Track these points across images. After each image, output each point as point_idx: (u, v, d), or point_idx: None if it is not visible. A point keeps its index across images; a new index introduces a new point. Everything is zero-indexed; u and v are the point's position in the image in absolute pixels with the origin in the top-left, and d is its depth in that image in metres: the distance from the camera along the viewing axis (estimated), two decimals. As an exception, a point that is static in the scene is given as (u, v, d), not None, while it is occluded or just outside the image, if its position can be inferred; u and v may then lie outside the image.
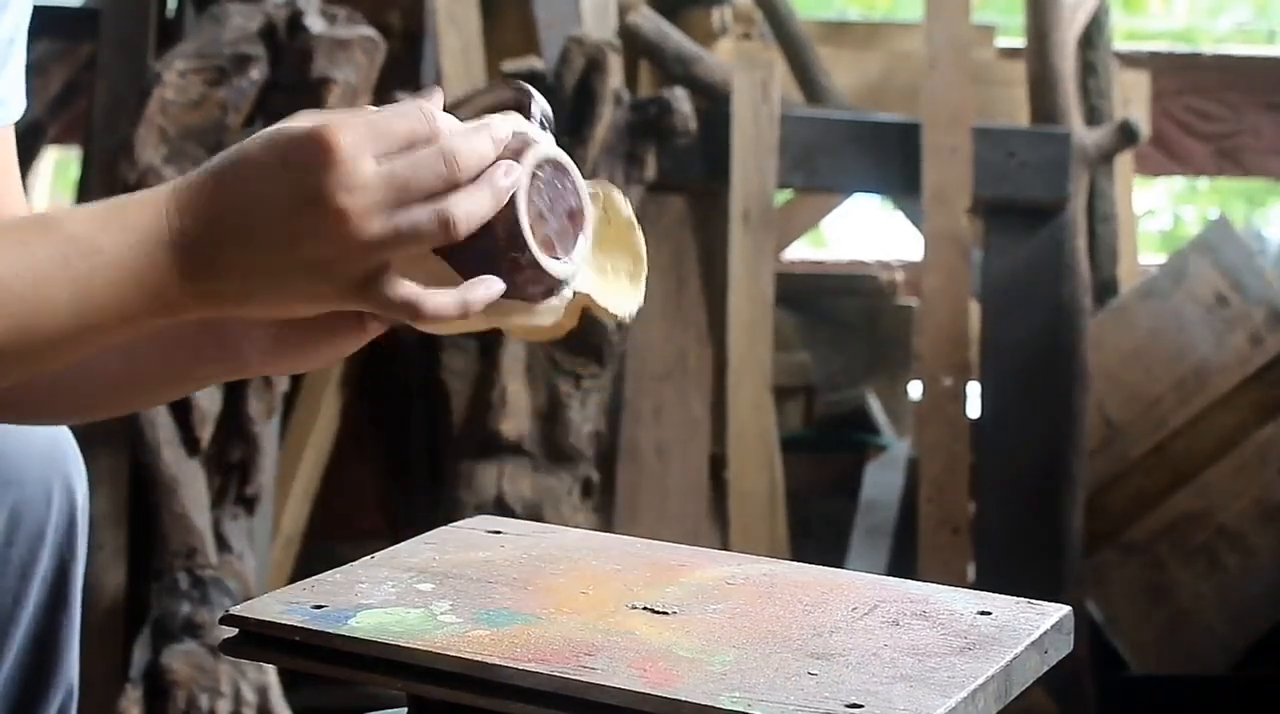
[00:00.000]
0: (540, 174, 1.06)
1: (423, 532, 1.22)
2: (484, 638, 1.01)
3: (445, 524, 1.25)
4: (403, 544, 1.18)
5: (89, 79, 2.87)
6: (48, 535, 1.32)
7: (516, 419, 2.64)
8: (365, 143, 1.01)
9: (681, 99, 2.72)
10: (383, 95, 2.61)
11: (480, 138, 1.04)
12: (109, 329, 1.03)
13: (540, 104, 1.11)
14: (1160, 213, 5.85)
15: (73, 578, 1.35)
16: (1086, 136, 2.97)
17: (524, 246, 1.03)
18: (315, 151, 1.00)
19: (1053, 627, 1.07)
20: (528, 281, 1.04)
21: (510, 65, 2.69)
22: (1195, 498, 3.01)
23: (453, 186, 1.02)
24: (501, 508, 2.58)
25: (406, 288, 1.02)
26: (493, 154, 1.04)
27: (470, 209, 1.02)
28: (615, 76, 2.68)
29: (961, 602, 1.09)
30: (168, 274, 1.02)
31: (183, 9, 2.82)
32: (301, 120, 1.04)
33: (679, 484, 2.86)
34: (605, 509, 2.76)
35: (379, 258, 1.01)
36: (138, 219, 1.02)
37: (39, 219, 1.05)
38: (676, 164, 2.81)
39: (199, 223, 1.02)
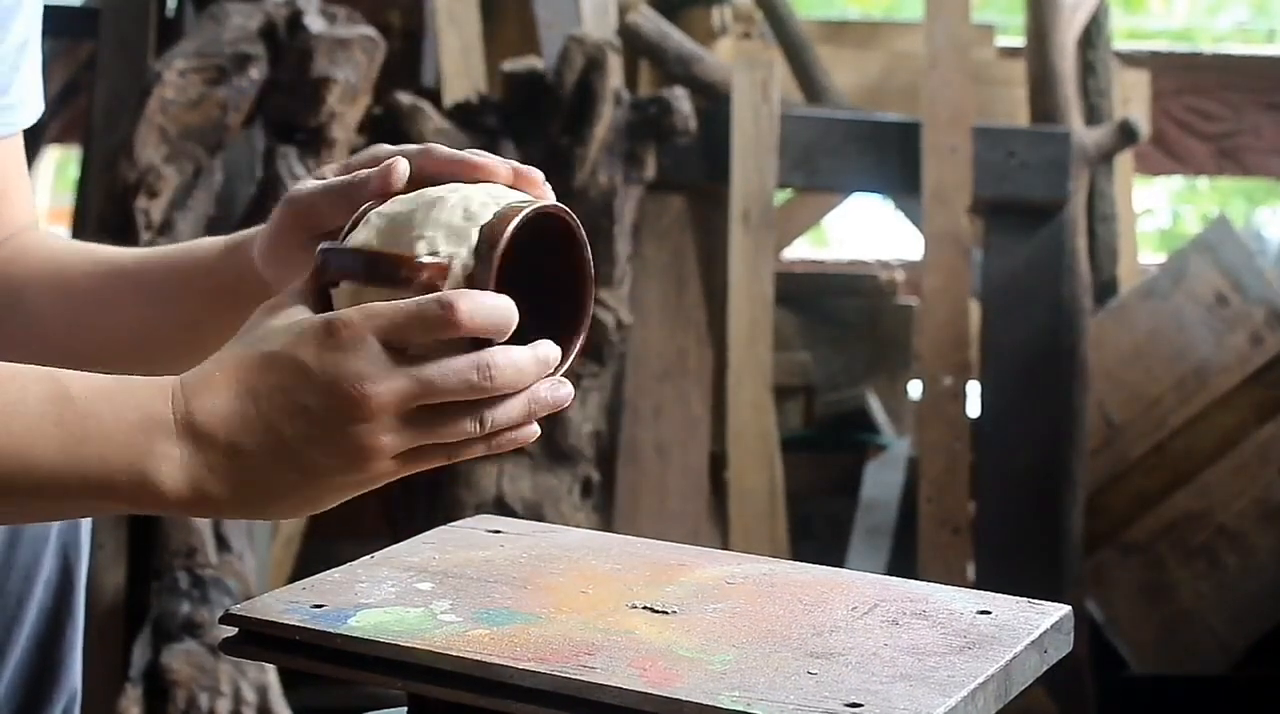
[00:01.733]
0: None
1: (423, 531, 1.22)
2: (484, 637, 1.01)
3: (445, 524, 1.25)
4: (402, 544, 1.18)
5: (89, 78, 2.88)
6: (51, 538, 1.32)
7: (516, 419, 2.64)
8: (378, 328, 0.98)
9: (681, 99, 2.72)
10: (383, 95, 2.62)
11: (526, 357, 1.01)
12: (83, 500, 1.00)
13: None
14: (1159, 212, 5.85)
15: (76, 580, 1.34)
16: (1086, 136, 2.97)
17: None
18: (331, 336, 0.98)
19: (1053, 626, 1.07)
20: None
21: (510, 65, 2.69)
22: (1195, 498, 3.01)
23: (484, 396, 1.01)
24: (501, 507, 2.58)
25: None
26: (534, 370, 1.02)
27: (504, 416, 1.02)
28: (615, 76, 2.68)
29: (961, 601, 1.09)
30: (163, 463, 0.99)
31: (183, 9, 2.82)
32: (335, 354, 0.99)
33: (679, 484, 2.86)
34: (605, 509, 2.76)
35: (405, 451, 1.01)
36: (144, 401, 0.99)
37: (47, 372, 1.02)
38: (676, 164, 2.81)
39: (199, 416, 0.99)
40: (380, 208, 1.03)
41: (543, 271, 1.05)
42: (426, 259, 0.99)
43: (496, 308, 0.99)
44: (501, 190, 1.05)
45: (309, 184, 1.12)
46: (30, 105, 1.26)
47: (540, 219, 1.02)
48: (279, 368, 0.98)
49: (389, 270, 0.99)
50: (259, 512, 1.02)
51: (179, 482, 0.98)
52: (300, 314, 1.01)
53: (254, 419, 0.98)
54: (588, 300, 1.06)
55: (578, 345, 1.06)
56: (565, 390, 1.05)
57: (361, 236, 1.02)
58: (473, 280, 1.00)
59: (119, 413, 0.98)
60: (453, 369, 0.98)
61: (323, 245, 1.03)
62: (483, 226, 1.00)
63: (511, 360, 1.00)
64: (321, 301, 1.03)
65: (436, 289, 0.99)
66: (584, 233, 1.05)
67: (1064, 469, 2.88)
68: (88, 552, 1.36)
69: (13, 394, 0.98)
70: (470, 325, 0.98)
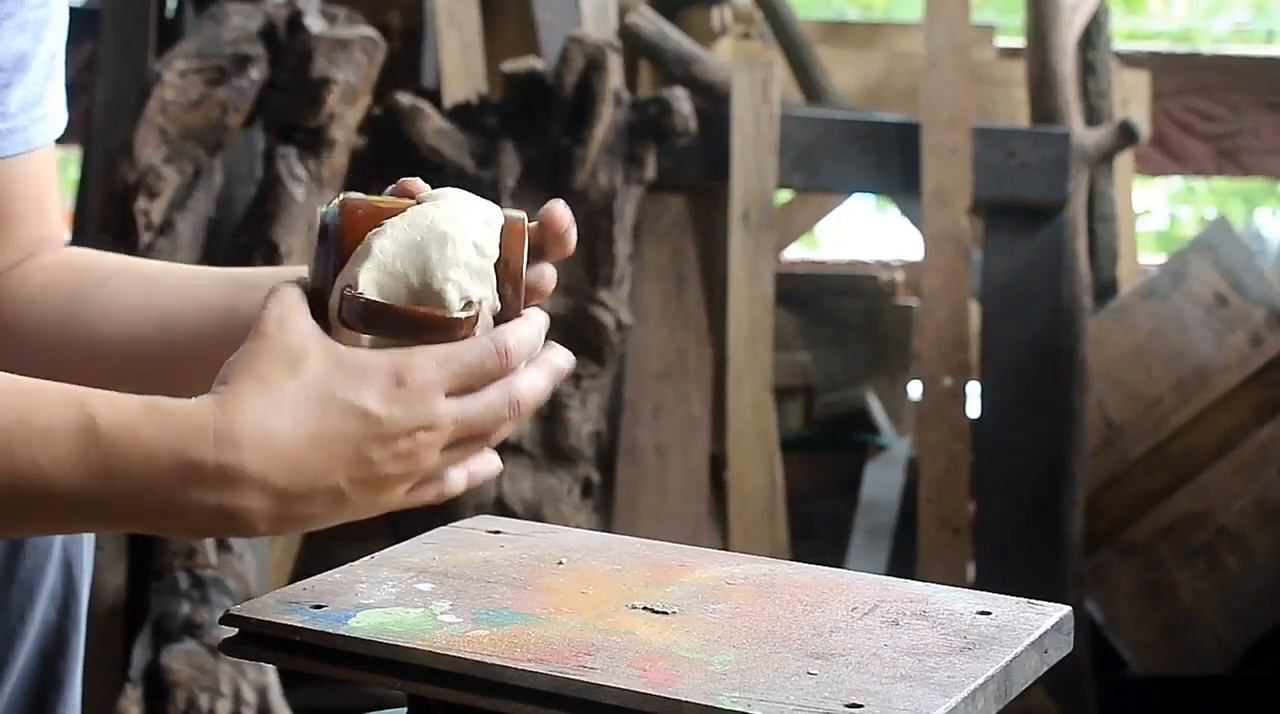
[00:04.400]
0: None
1: (423, 532, 1.22)
2: (484, 638, 1.01)
3: (445, 524, 1.25)
4: (403, 544, 1.18)
5: (89, 79, 2.88)
6: (55, 550, 1.31)
7: (516, 419, 2.64)
8: (445, 380, 0.99)
9: (681, 99, 2.72)
10: (383, 95, 2.62)
11: (544, 380, 1.04)
12: (103, 528, 1.00)
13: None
14: (1157, 212, 5.85)
15: (79, 593, 1.33)
16: (1086, 136, 2.97)
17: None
18: (400, 387, 0.98)
19: (1053, 627, 1.07)
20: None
21: (510, 65, 2.69)
22: (1195, 498, 3.01)
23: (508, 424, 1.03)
24: (501, 508, 2.58)
25: (429, 493, 1.04)
26: (545, 386, 1.04)
27: (507, 432, 1.04)
28: (615, 76, 2.68)
29: (961, 602, 1.09)
30: (193, 510, 0.96)
31: (183, 9, 2.82)
32: (360, 355, 0.99)
33: (679, 484, 2.86)
34: (605, 509, 2.76)
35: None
36: (178, 442, 0.95)
37: (75, 397, 0.97)
38: (676, 164, 2.81)
39: (249, 465, 0.96)
40: (382, 235, 1.02)
41: None
42: (461, 315, 1.00)
43: (531, 339, 1.03)
44: (472, 200, 1.06)
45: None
46: (60, 116, 1.26)
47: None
48: (344, 415, 0.97)
49: (433, 334, 1.00)
50: (278, 534, 1.02)
51: (207, 524, 0.97)
52: (330, 339, 0.99)
53: (309, 465, 0.97)
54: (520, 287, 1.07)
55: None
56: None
57: (374, 277, 1.01)
58: (501, 315, 1.03)
59: (150, 454, 0.95)
60: (493, 407, 1.01)
61: (348, 292, 1.00)
62: (497, 264, 1.03)
63: (534, 388, 1.03)
64: (321, 307, 1.02)
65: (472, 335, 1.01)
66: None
67: (1064, 469, 2.88)
68: (91, 564, 1.35)
69: (38, 422, 0.95)
70: (518, 363, 1.01)
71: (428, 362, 0.98)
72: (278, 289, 1.02)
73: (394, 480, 1.00)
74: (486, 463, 1.06)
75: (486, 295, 1.02)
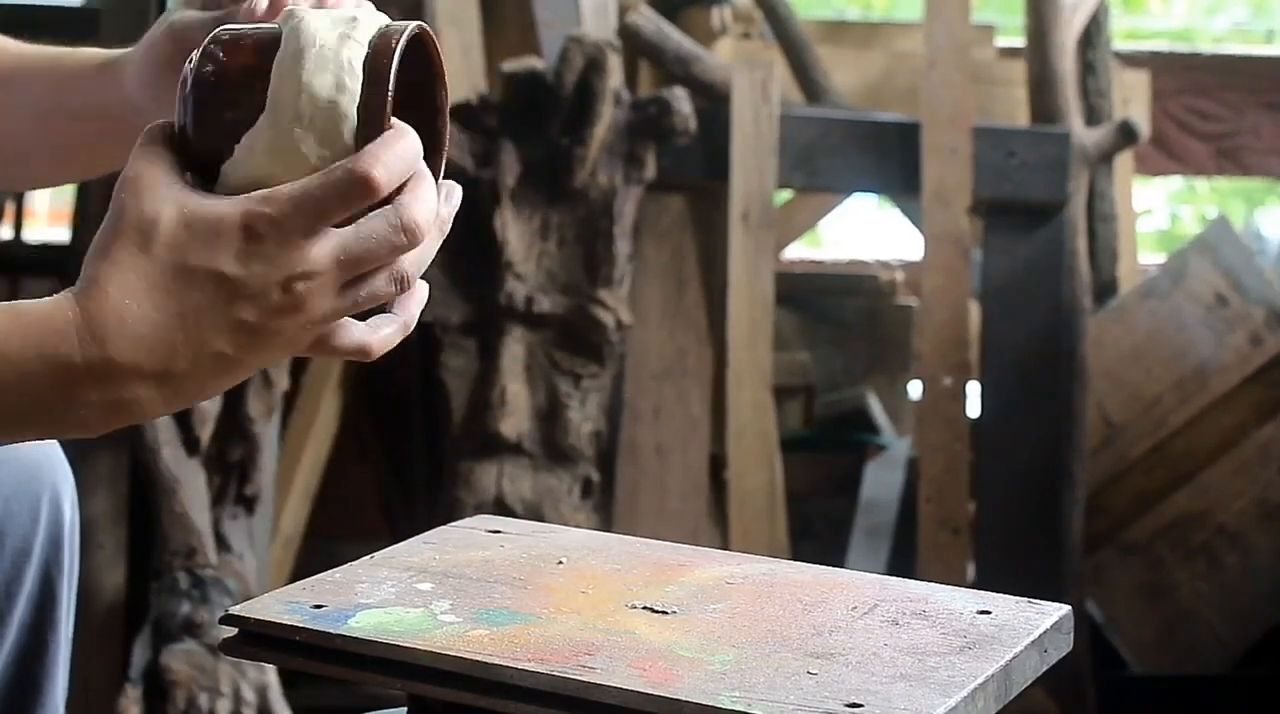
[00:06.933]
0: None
1: (423, 532, 1.22)
2: (484, 638, 1.01)
3: (445, 524, 1.25)
4: (402, 544, 1.18)
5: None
6: (34, 552, 1.29)
7: (516, 419, 2.64)
8: (304, 225, 0.92)
9: (681, 99, 2.72)
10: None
11: (425, 191, 0.96)
12: None
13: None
14: (1157, 212, 5.85)
15: (59, 595, 1.32)
16: (1086, 136, 2.97)
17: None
18: (253, 242, 0.91)
19: (1052, 626, 1.07)
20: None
21: (510, 65, 2.69)
22: (1195, 498, 3.01)
23: (407, 251, 0.96)
24: (501, 508, 2.58)
25: (354, 336, 0.98)
26: (436, 201, 0.97)
27: (421, 257, 0.97)
28: (615, 76, 2.68)
29: (961, 601, 1.09)
30: (81, 410, 0.92)
31: (182, 9, 2.82)
32: (194, 199, 0.93)
33: (679, 484, 2.86)
34: (605, 509, 2.76)
35: (330, 326, 0.96)
36: (45, 347, 0.91)
37: None
38: (676, 164, 2.81)
39: (118, 356, 0.91)
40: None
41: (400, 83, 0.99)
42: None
43: (401, 156, 0.94)
44: (345, 13, 0.99)
45: (190, 13, 1.10)
46: None
47: (409, 44, 0.98)
48: (202, 285, 0.92)
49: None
50: (180, 407, 0.97)
51: (101, 420, 0.93)
52: (190, 198, 0.93)
53: (183, 343, 0.92)
54: (444, 106, 1.02)
55: (445, 155, 1.03)
56: (456, 198, 1.01)
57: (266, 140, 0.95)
58: (366, 125, 0.95)
59: (18, 364, 0.90)
60: (374, 237, 0.94)
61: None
62: (364, 65, 0.95)
63: (423, 208, 0.95)
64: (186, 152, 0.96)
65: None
66: (436, 43, 1.01)
67: (1064, 469, 2.88)
68: (74, 565, 1.34)
69: None
70: (390, 186, 0.94)
71: (280, 208, 0.92)
72: (137, 150, 0.96)
73: (282, 335, 0.94)
74: (410, 297, 0.99)
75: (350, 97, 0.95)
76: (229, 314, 0.92)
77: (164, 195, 0.93)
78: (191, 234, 0.92)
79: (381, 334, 0.99)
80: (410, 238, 0.94)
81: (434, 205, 0.97)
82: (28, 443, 1.26)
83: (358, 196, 0.93)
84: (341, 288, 0.94)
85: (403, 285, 0.96)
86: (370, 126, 0.95)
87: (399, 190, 0.95)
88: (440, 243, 0.99)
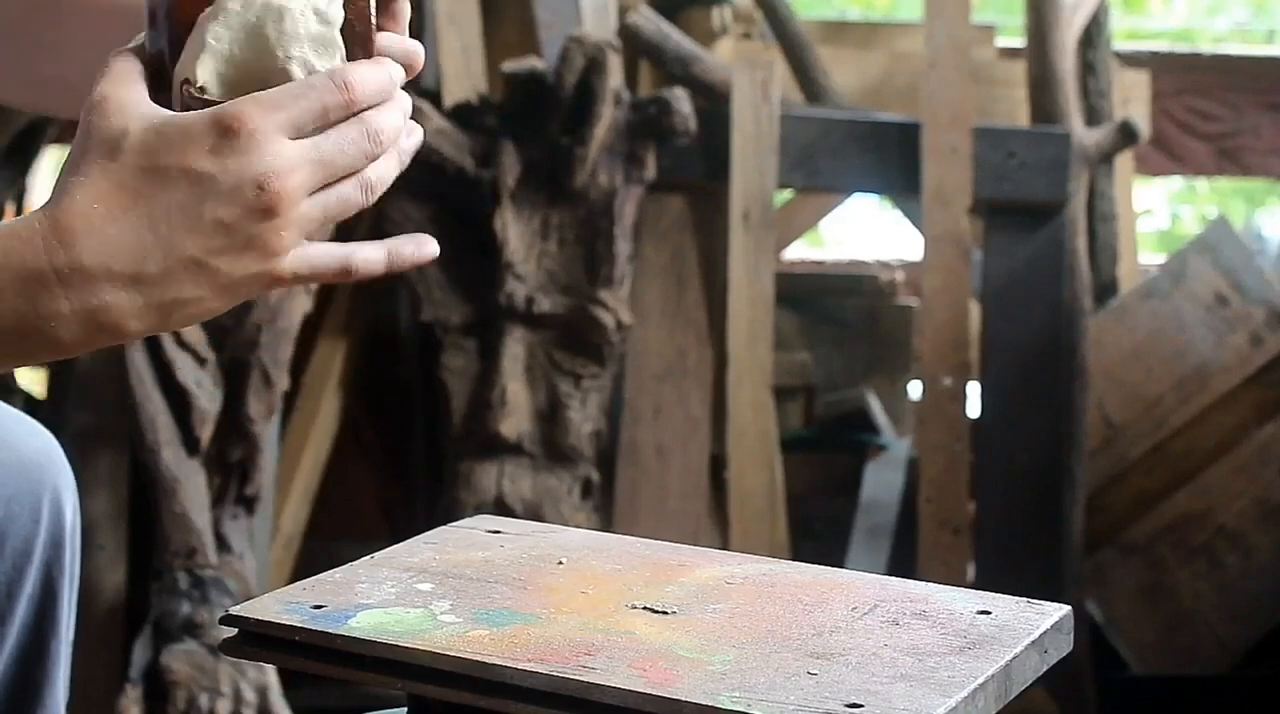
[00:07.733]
0: None
1: (423, 532, 1.22)
2: (484, 638, 1.01)
3: (445, 524, 1.25)
4: (402, 544, 1.18)
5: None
6: (35, 553, 1.29)
7: (516, 419, 2.64)
8: (280, 123, 0.93)
9: (681, 99, 2.72)
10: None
11: (395, 110, 0.99)
12: None
13: None
14: (1157, 212, 5.85)
15: (60, 596, 1.32)
16: (1086, 136, 2.97)
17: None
18: (227, 138, 0.91)
19: (1053, 626, 1.07)
20: None
21: (510, 65, 2.69)
22: (1195, 498, 3.01)
23: (374, 160, 0.98)
24: (501, 508, 2.58)
25: (335, 252, 0.98)
26: (403, 123, 1.00)
27: (383, 172, 0.99)
28: (615, 76, 2.68)
29: (961, 601, 1.09)
30: (53, 321, 0.91)
31: (183, 9, 2.81)
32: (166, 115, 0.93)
33: (679, 484, 2.86)
34: (605, 509, 2.76)
35: (304, 237, 0.96)
36: (11, 257, 0.90)
37: None
38: (676, 164, 2.81)
39: (87, 258, 0.90)
40: (214, 19, 0.97)
41: None
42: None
43: (377, 79, 0.97)
44: None
45: None
46: None
47: None
48: (174, 183, 0.91)
49: None
50: (162, 328, 0.96)
51: (75, 332, 0.92)
52: (160, 111, 0.93)
53: (154, 245, 0.91)
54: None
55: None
56: (417, 137, 1.05)
57: (213, 68, 0.96)
58: (350, 45, 0.99)
59: None
60: (348, 140, 0.96)
61: (188, 90, 0.96)
62: (344, 28, 0.99)
63: (391, 119, 0.98)
64: (159, 79, 0.97)
65: None
66: None
67: (1064, 469, 2.88)
68: (75, 566, 1.34)
69: None
70: (364, 98, 0.96)
71: (255, 108, 0.92)
72: (106, 66, 0.96)
73: (261, 240, 0.93)
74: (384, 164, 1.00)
75: (335, 65, 0.98)
76: (201, 213, 0.92)
77: (133, 113, 0.93)
78: (162, 138, 0.92)
79: (363, 253, 1.00)
80: (376, 144, 0.97)
81: (401, 123, 0.99)
82: (28, 444, 1.26)
83: (336, 103, 0.95)
84: (313, 194, 0.95)
85: (370, 193, 0.98)
86: (359, 56, 0.99)
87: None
88: (399, 172, 1.01)
